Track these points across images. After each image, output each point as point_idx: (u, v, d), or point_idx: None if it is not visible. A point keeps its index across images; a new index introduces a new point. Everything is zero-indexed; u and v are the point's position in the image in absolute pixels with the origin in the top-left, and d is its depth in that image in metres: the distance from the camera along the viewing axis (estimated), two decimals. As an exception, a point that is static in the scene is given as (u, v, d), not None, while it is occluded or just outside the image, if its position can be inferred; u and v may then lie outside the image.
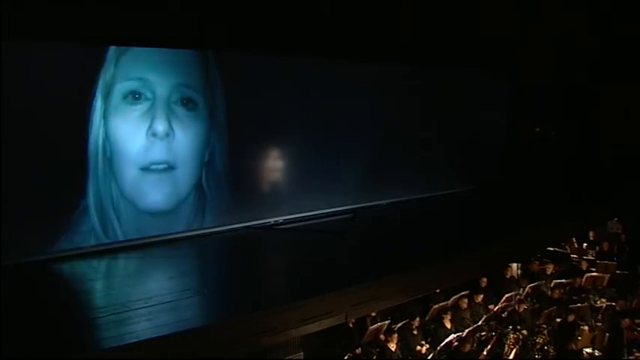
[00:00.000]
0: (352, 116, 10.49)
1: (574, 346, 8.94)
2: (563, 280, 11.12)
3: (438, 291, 9.72)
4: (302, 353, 8.04)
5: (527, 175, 13.41)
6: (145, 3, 7.47)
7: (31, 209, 6.82)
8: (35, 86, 6.85)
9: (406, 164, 11.44)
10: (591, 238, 13.39)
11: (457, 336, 8.76)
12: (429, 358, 8.42)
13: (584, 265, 12.05)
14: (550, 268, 11.70)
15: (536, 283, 10.98)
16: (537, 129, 14.71)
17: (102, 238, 7.61)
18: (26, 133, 6.74)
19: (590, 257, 12.73)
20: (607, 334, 9.44)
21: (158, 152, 8.11)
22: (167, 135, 8.16)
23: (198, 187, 8.63)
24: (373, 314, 8.84)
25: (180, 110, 8.33)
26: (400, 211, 10.86)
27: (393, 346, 8.29)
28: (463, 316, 9.66)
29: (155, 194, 8.12)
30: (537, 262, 11.99)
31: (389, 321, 8.78)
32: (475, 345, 8.81)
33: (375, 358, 8.03)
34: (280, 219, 9.50)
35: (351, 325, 8.52)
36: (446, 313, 9.30)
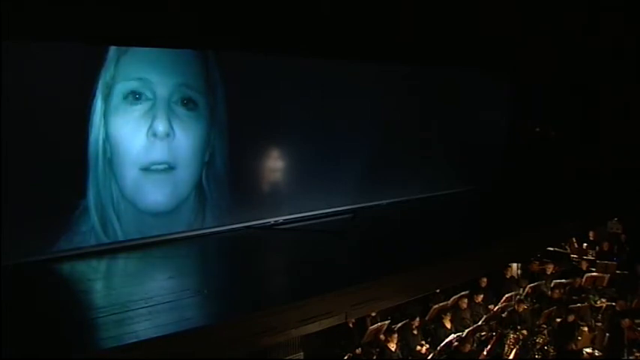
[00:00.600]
0: (352, 116, 10.49)
1: (574, 346, 8.94)
2: (563, 280, 11.12)
3: (438, 291, 9.72)
4: (302, 353, 8.04)
5: (527, 175, 13.42)
6: (146, 3, 7.48)
7: (31, 209, 6.82)
8: (35, 86, 6.85)
9: (406, 164, 11.45)
10: (591, 238, 13.39)
11: (457, 336, 8.77)
12: (429, 358, 8.42)
13: (584, 265, 12.05)
14: (550, 268, 11.70)
15: (536, 283, 10.99)
16: (537, 129, 14.72)
17: (102, 238, 7.62)
18: (26, 133, 6.74)
19: (590, 257, 12.73)
20: (607, 334, 9.44)
21: (158, 152, 8.12)
22: (167, 135, 8.17)
23: (198, 187, 8.64)
24: (373, 314, 8.85)
25: (181, 110, 8.34)
26: (400, 211, 10.86)
27: (393, 346, 8.29)
28: (463, 316, 9.67)
29: (155, 194, 8.13)
30: (537, 262, 11.99)
31: (389, 321, 8.78)
32: (475, 345, 8.82)
33: (375, 358, 8.03)
34: (280, 219, 9.50)
35: (351, 325, 8.52)
36: (446, 313, 9.30)
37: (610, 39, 13.14)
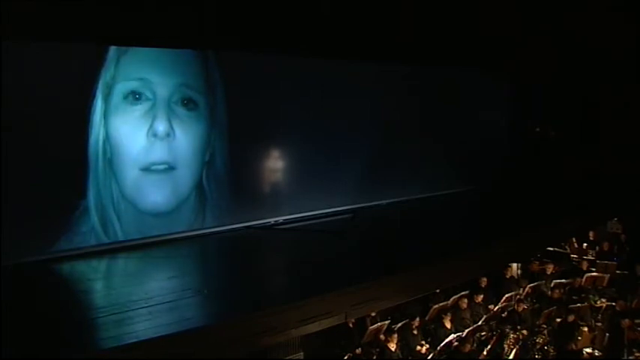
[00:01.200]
0: (352, 116, 10.50)
1: (574, 346, 8.94)
2: (563, 280, 11.12)
3: (437, 291, 9.73)
4: (302, 353, 8.05)
5: (527, 175, 13.42)
6: (146, 3, 7.49)
7: (32, 209, 6.83)
8: (35, 86, 6.86)
9: (406, 164, 11.45)
10: (591, 238, 13.40)
11: (457, 336, 8.77)
12: (429, 358, 8.43)
13: (584, 265, 12.05)
14: (550, 268, 11.70)
15: (536, 283, 10.99)
16: (537, 129, 14.73)
17: (102, 238, 7.62)
18: (26, 133, 6.75)
19: (590, 257, 12.74)
20: (607, 334, 9.45)
21: (159, 152, 8.13)
22: (168, 135, 8.18)
23: (198, 187, 8.65)
24: (373, 314, 8.85)
25: (181, 110, 8.35)
26: (400, 211, 10.86)
27: (393, 346, 8.29)
28: (463, 316, 9.67)
29: (156, 194, 8.13)
30: (537, 262, 12.00)
31: (389, 321, 8.79)
32: (475, 345, 8.82)
33: (375, 358, 8.04)
34: (280, 219, 9.51)
35: (351, 325, 8.53)
36: (446, 313, 9.31)
37: (610, 39, 13.13)
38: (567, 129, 14.40)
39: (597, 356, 9.17)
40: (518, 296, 10.44)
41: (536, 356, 9.04)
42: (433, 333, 9.20)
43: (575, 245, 13.33)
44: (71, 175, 7.31)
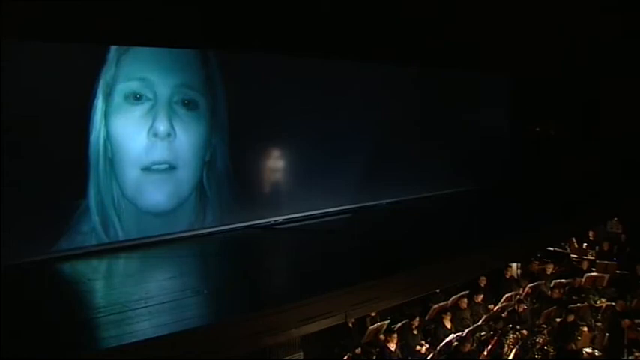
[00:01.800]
0: (352, 116, 10.52)
1: (574, 346, 8.95)
2: (563, 280, 11.12)
3: (437, 291, 9.73)
4: (302, 353, 8.06)
5: (527, 174, 13.43)
6: (147, 3, 7.51)
7: (32, 209, 6.85)
8: (36, 86, 6.88)
9: (406, 164, 11.46)
10: (591, 238, 13.41)
11: (457, 336, 8.78)
12: (428, 357, 8.43)
13: (584, 265, 12.05)
14: (550, 268, 11.71)
15: (536, 283, 10.99)
16: (537, 128, 14.74)
17: (103, 238, 7.65)
18: (27, 133, 6.77)
19: (590, 257, 12.74)
20: (607, 334, 9.45)
21: (159, 152, 8.16)
22: (168, 135, 8.20)
23: (199, 187, 8.67)
24: (373, 314, 8.86)
25: (182, 110, 8.38)
26: (400, 211, 10.88)
27: (392, 346, 8.30)
28: (463, 316, 9.67)
29: (156, 194, 8.16)
30: (537, 262, 12.01)
31: (389, 321, 8.80)
32: (475, 345, 8.82)
33: (374, 357, 8.05)
34: (280, 219, 9.53)
35: (351, 324, 8.54)
36: (446, 313, 9.31)
37: (610, 36, 13.13)
38: (567, 128, 14.40)
39: (597, 356, 9.18)
40: (518, 296, 10.45)
41: (536, 356, 9.04)
42: (433, 333, 9.21)
43: (575, 245, 13.34)
44: (72, 175, 7.34)
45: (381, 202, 11.03)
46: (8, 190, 6.57)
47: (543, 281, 11.23)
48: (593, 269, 11.83)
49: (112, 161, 7.65)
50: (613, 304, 10.30)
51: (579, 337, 9.28)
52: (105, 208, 7.62)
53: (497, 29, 11.72)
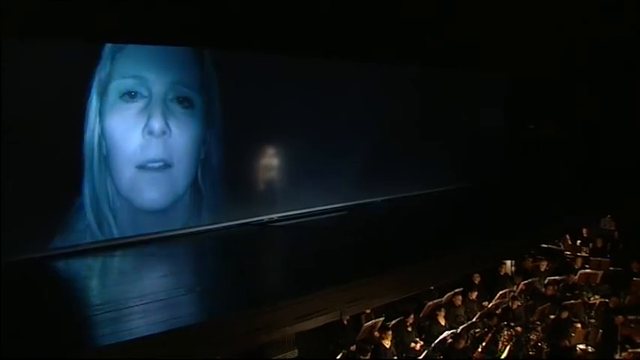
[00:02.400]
0: (348, 114, 10.54)
1: (567, 343, 8.98)
2: (556, 277, 11.18)
3: (432, 288, 9.77)
4: (297, 350, 8.06)
5: (523, 172, 13.48)
6: (142, 0, 7.50)
7: (27, 207, 6.84)
8: (30, 84, 6.87)
9: (402, 162, 11.50)
10: (585, 235, 13.47)
11: (451, 333, 8.81)
12: (423, 354, 8.47)
13: (577, 262, 12.11)
14: (544, 265, 11.76)
15: (530, 280, 11.03)
16: (531, 126, 14.78)
17: (97, 235, 7.65)
18: (22, 131, 6.75)
19: (583, 254, 12.80)
20: (600, 331, 9.50)
21: (154, 150, 8.15)
22: (163, 133, 8.20)
23: (194, 184, 8.68)
24: (368, 311, 8.88)
25: (177, 108, 8.38)
26: (396, 209, 10.91)
27: (387, 343, 8.32)
28: (457, 313, 9.71)
29: (151, 192, 8.16)
30: (531, 259, 12.05)
31: (383, 318, 8.82)
32: (469, 341, 8.85)
33: (369, 355, 8.07)
34: (275, 216, 9.55)
35: (345, 322, 8.56)
36: (440, 310, 9.35)
37: (608, 35, 13.16)
38: (562, 127, 14.45)
39: (590, 352, 9.22)
40: (512, 293, 10.49)
41: (530, 353, 9.08)
42: (427, 330, 9.23)
43: (569, 242, 13.40)
44: (67, 173, 7.33)
45: (377, 199, 11.06)
46: (3, 189, 6.56)
47: (537, 278, 11.28)
48: (587, 266, 11.90)
49: (106, 159, 7.64)
50: (606, 300, 10.35)
51: (573, 334, 9.31)
52: (100, 206, 7.62)
53: (497, 29, 11.72)
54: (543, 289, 10.90)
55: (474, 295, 10.19)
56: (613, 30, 13.00)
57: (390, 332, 8.43)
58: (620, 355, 8.52)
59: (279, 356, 7.62)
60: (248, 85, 9.08)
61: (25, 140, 6.79)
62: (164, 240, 8.22)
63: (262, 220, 9.37)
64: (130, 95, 7.87)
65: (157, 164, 8.18)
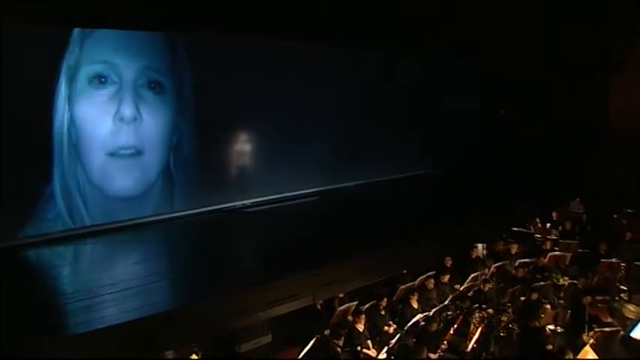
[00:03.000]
0: (321, 99, 10.54)
1: (537, 324, 9.11)
2: (527, 260, 11.30)
3: (404, 272, 9.84)
4: (270, 336, 8.10)
5: (493, 157, 13.60)
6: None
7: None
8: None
9: (374, 147, 11.53)
10: (554, 219, 13.66)
11: (424, 316, 8.89)
12: (396, 338, 8.54)
13: (547, 245, 12.27)
14: (514, 248, 11.89)
15: (501, 263, 11.15)
16: (503, 111, 14.90)
17: (69, 224, 7.59)
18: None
19: (553, 237, 12.97)
20: (569, 312, 9.65)
21: (125, 137, 8.09)
22: (135, 119, 8.14)
23: (166, 171, 8.63)
24: (341, 296, 8.93)
25: (148, 94, 8.30)
26: (368, 193, 10.97)
27: (361, 327, 8.38)
28: (430, 296, 9.79)
29: (123, 179, 8.10)
30: (502, 243, 12.19)
31: (356, 302, 8.88)
32: (442, 324, 8.94)
33: (343, 339, 8.12)
34: (248, 202, 9.54)
35: (319, 306, 8.60)
36: (413, 294, 9.41)
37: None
38: (532, 113, 14.60)
39: (560, 333, 9.37)
40: (483, 276, 10.60)
41: (501, 334, 9.19)
42: (400, 313, 9.30)
43: (539, 225, 13.57)
44: (36, 161, 7.25)
45: (350, 184, 11.10)
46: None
47: (508, 261, 11.40)
48: (556, 249, 12.05)
49: (76, 146, 7.56)
50: (575, 282, 10.52)
51: (542, 315, 9.44)
52: (70, 194, 7.54)
53: (468, 14, 11.78)
54: (514, 272, 11.03)
55: (446, 278, 10.28)
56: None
57: (363, 316, 8.48)
58: (588, 335, 8.68)
59: (253, 341, 7.67)
60: (221, 71, 9.02)
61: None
62: (136, 227, 8.18)
63: (235, 206, 9.36)
64: (99, 81, 7.78)
65: (128, 151, 8.11)
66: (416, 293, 9.47)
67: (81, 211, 7.68)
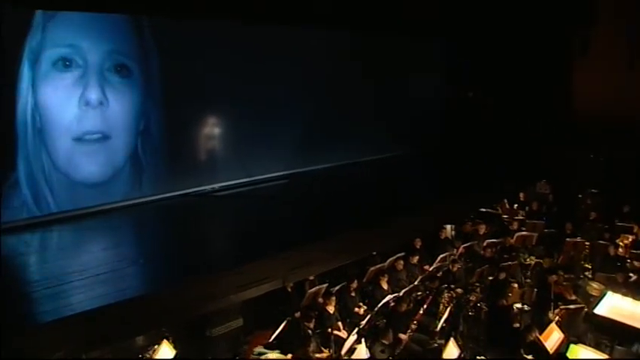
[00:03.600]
0: (290, 82, 10.50)
1: (505, 302, 9.25)
2: (494, 240, 11.43)
3: (374, 253, 9.90)
4: (241, 319, 8.12)
5: (461, 139, 13.72)
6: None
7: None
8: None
9: (344, 129, 11.55)
10: (521, 199, 13.85)
11: (394, 296, 8.96)
12: (366, 319, 8.61)
13: (514, 225, 12.43)
14: (482, 229, 12.01)
15: (469, 244, 11.26)
16: (470, 94, 15.00)
17: (34, 211, 7.48)
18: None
19: (520, 217, 13.15)
20: (535, 290, 9.82)
21: (92, 122, 7.99)
22: (101, 104, 8.03)
23: (134, 156, 8.56)
24: (311, 278, 8.96)
25: (114, 78, 8.20)
26: (337, 176, 10.99)
27: (331, 309, 8.42)
28: (399, 277, 9.86)
29: (90, 165, 8.01)
30: (470, 223, 12.31)
31: (327, 284, 8.92)
32: (411, 304, 9.03)
33: (313, 321, 8.16)
34: (217, 186, 9.50)
35: (289, 289, 8.62)
36: (383, 275, 9.46)
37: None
38: (499, 94, 14.72)
39: (526, 311, 9.53)
40: (452, 256, 10.69)
41: (470, 313, 9.31)
42: (371, 294, 9.36)
43: (507, 206, 13.74)
44: (-1, 148, 7.10)
45: (318, 167, 11.12)
46: None
47: (476, 242, 11.53)
48: (523, 229, 12.21)
49: (41, 132, 7.44)
50: (541, 261, 10.70)
51: (510, 294, 9.58)
52: (36, 181, 7.43)
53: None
54: (482, 252, 11.16)
55: (416, 259, 10.36)
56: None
57: (333, 298, 8.52)
58: (553, 312, 8.84)
59: (225, 325, 7.68)
60: (189, 54, 8.95)
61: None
62: (104, 213, 8.11)
63: (204, 190, 9.32)
64: (64, 64, 7.65)
65: (94, 136, 8.01)
66: (385, 274, 9.52)
67: (47, 198, 7.57)
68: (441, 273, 10.05)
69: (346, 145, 11.70)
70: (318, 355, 7.67)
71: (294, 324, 7.95)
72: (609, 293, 8.37)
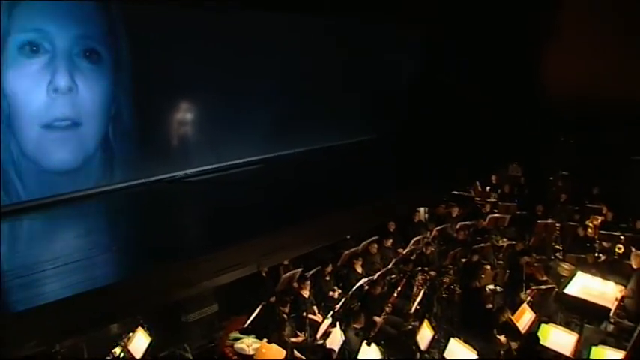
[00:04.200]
0: (262, 67, 10.43)
1: (478, 284, 9.38)
2: (467, 222, 11.57)
3: (348, 237, 9.95)
4: (216, 305, 8.14)
5: (433, 122, 13.77)
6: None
7: None
8: None
9: (316, 114, 11.51)
10: (493, 182, 14.01)
11: (368, 280, 9.03)
12: (341, 302, 8.67)
13: (487, 208, 12.59)
14: (455, 212, 12.15)
15: (442, 226, 11.40)
16: (442, 77, 15.05)
17: (4, 199, 7.35)
18: None
19: (492, 200, 13.31)
20: (507, 271, 9.96)
21: (61, 108, 7.86)
22: (70, 90, 7.90)
23: (105, 142, 8.46)
24: (286, 262, 8.99)
25: (84, 63, 8.07)
26: (310, 160, 11.00)
27: (306, 293, 8.47)
28: (373, 261, 9.95)
29: (60, 152, 7.90)
30: (443, 206, 12.43)
31: (301, 269, 8.95)
32: (386, 287, 9.11)
33: (288, 305, 8.20)
34: (189, 172, 9.45)
35: (264, 274, 8.65)
36: (357, 258, 9.53)
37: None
38: (471, 77, 14.78)
39: (499, 292, 9.67)
40: (425, 239, 10.81)
41: (444, 295, 9.42)
42: (345, 278, 9.42)
43: (479, 189, 13.89)
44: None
45: (291, 151, 11.11)
46: None
47: (449, 224, 11.66)
48: (496, 211, 12.38)
49: (9, 119, 7.30)
50: (513, 243, 10.85)
51: (483, 276, 9.71)
52: (4, 169, 7.29)
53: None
54: (455, 234, 11.29)
55: (389, 242, 10.45)
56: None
57: (308, 282, 8.57)
58: (525, 293, 8.99)
59: (199, 311, 7.69)
60: (159, 39, 8.82)
61: None
62: (76, 200, 8.02)
63: (176, 176, 9.27)
64: (31, 50, 7.50)
65: (64, 123, 7.89)
66: (360, 258, 9.60)
67: (16, 186, 7.46)
68: (414, 256, 10.16)
69: (319, 130, 11.68)
70: (293, 339, 7.73)
71: (269, 309, 7.99)
72: (579, 273, 8.54)
